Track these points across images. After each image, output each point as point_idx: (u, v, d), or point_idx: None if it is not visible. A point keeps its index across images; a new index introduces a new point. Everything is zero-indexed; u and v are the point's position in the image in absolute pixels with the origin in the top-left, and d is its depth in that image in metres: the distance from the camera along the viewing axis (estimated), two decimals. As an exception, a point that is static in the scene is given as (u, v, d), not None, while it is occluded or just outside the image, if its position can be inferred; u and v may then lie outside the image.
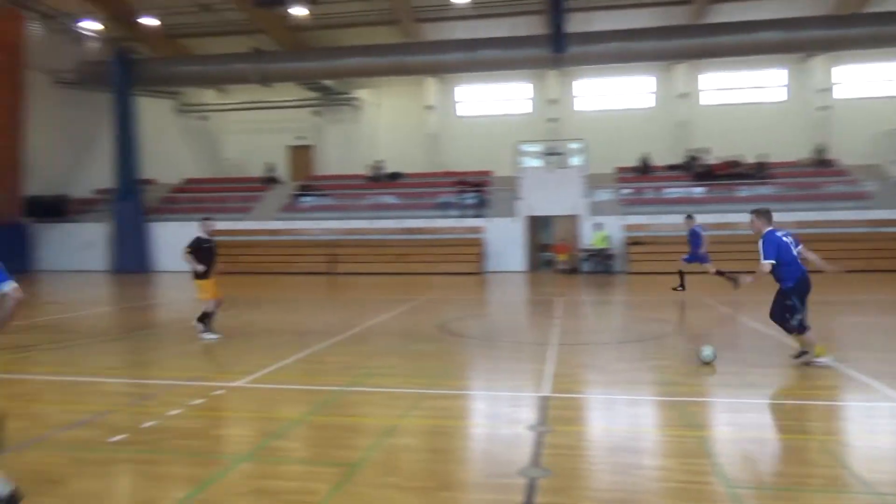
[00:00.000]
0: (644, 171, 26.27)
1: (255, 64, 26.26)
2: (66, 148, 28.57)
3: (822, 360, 7.02)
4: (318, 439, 5.11)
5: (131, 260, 25.87)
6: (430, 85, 30.35)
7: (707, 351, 7.35)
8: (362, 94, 31.22)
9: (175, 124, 32.06)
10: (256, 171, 30.58)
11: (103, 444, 4.86)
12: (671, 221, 22.16)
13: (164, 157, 30.04)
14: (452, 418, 5.68)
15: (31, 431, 5.21)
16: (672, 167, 26.33)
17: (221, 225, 26.23)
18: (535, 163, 26.05)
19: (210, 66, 27.48)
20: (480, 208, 25.08)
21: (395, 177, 28.46)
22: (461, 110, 31.18)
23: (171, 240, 26.13)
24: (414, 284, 16.80)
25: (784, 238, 7.08)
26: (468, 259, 23.44)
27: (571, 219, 23.94)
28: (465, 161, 28.69)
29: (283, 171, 31.25)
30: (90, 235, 26.95)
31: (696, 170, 25.46)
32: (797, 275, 7.02)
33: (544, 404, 5.92)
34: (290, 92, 30.32)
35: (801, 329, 7.05)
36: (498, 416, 5.84)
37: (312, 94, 30.82)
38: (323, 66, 26.65)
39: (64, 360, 8.35)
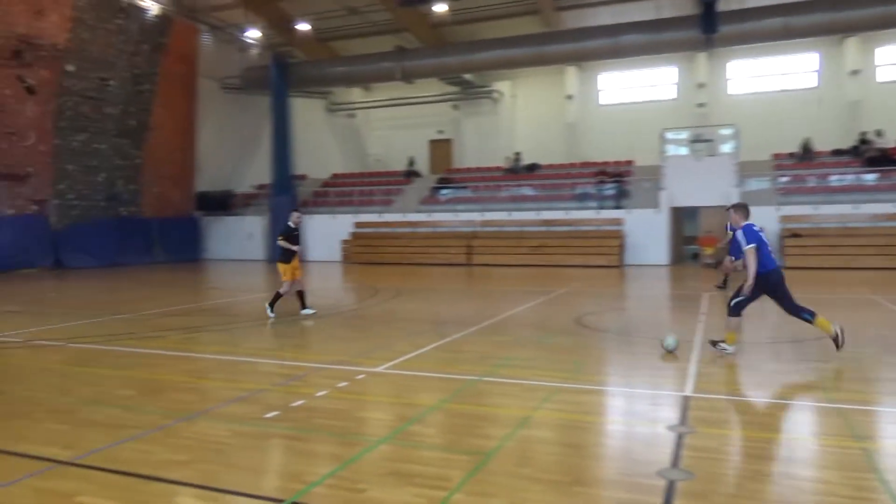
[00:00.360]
0: (805, 156, 24.12)
1: (399, 62, 27.18)
2: (230, 148, 31.25)
3: (728, 347, 7.51)
4: (453, 427, 5.21)
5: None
6: (571, 74, 29.78)
7: (669, 339, 7.66)
8: (500, 86, 31.30)
9: (325, 122, 33.95)
10: (398, 166, 31.70)
11: (259, 419, 5.27)
12: (836, 212, 20.21)
13: (315, 153, 31.98)
14: (588, 413, 5.57)
15: (199, 405, 5.78)
16: (838, 152, 23.95)
17: (365, 217, 27.80)
18: (680, 151, 24.76)
19: (357, 65, 28.77)
20: (620, 199, 24.29)
21: (532, 168, 28.30)
22: (603, 99, 30.31)
23: (320, 231, 27.88)
24: (551, 277, 16.63)
25: (760, 233, 7.42)
26: (607, 252, 22.81)
27: (721, 210, 22.53)
28: (605, 151, 27.92)
29: (423, 164, 32.12)
30: (250, 227, 29.33)
31: (867, 154, 22.96)
32: (769, 267, 7.33)
33: (686, 404, 5.64)
34: (430, 87, 31.08)
35: (734, 312, 7.48)
36: (636, 413, 5.64)
37: (452, 89, 31.38)
38: (463, 60, 26.91)
39: (226, 341, 9.17)
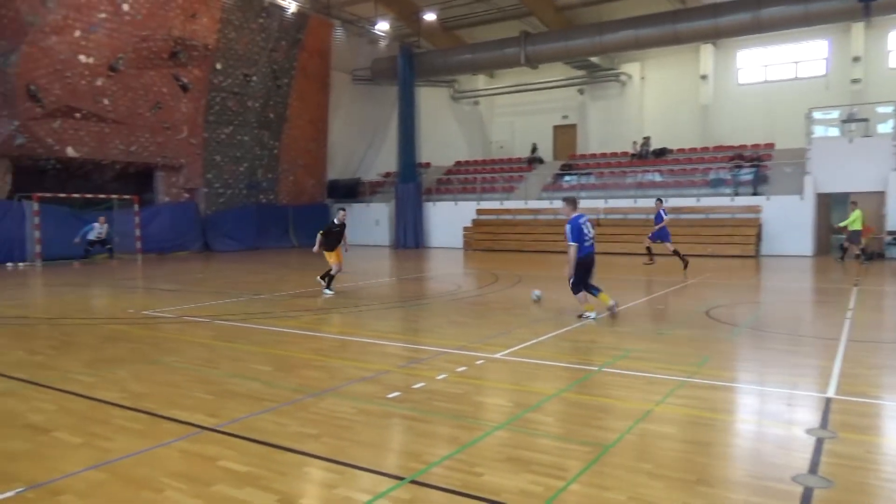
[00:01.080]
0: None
1: (524, 47, 26.94)
2: (359, 137, 32.48)
3: (590, 315, 9.19)
4: (572, 416, 5.15)
5: (409, 236, 28.58)
6: (706, 52, 28.13)
7: (535, 293, 10.53)
8: (629, 68, 30.17)
9: (450, 110, 34.35)
10: (521, 153, 31.52)
11: (382, 399, 5.49)
12: None
13: (439, 141, 32.51)
14: (715, 410, 5.30)
15: (327, 382, 6.11)
16: None
17: (487, 204, 27.92)
18: (829, 132, 22.75)
19: (481, 52, 28.80)
20: (758, 185, 22.73)
21: (661, 153, 27.12)
22: (742, 77, 28.38)
23: (443, 218, 28.37)
24: (678, 266, 15.90)
25: (582, 222, 9.10)
26: (742, 241, 21.49)
27: (876, 196, 20.49)
28: (742, 134, 26.26)
29: (546, 151, 31.72)
30: (377, 214, 30.39)
31: None
32: (582, 254, 9.05)
33: (827, 406, 5.22)
34: (555, 72, 30.57)
35: (575, 291, 9.32)
36: (769, 413, 5.30)
37: (577, 73, 30.66)
38: (590, 42, 26.07)
39: (353, 323, 9.60)
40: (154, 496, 3.58)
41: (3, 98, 19.48)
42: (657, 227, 17.13)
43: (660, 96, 29.89)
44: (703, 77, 28.33)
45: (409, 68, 28.92)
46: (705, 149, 26.77)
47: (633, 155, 27.71)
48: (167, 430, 4.73)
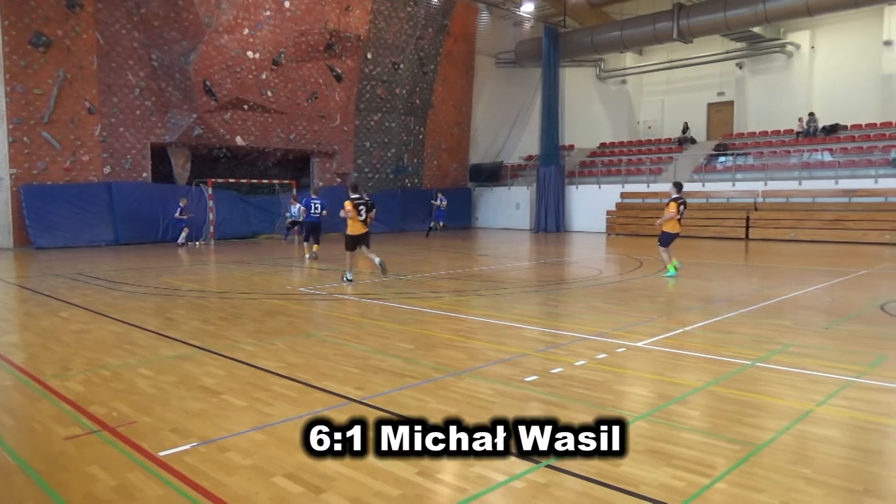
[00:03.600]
0: None
1: (677, 20, 25.51)
2: (501, 121, 32.54)
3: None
4: (720, 412, 4.87)
5: (551, 220, 28.28)
6: (891, 15, 24.95)
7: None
8: (796, 37, 27.55)
9: (595, 90, 33.39)
10: (671, 133, 30.01)
11: (520, 382, 5.52)
12: None
13: (583, 122, 31.76)
14: (888, 416, 4.78)
15: (467, 363, 6.23)
16: None
17: (632, 188, 26.94)
18: None
19: (630, 29, 27.62)
20: (954, 165, 20.01)
21: (832, 130, 24.65)
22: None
23: (586, 202, 27.77)
24: (849, 255, 14.38)
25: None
26: (931, 228, 19.06)
27: None
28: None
29: (699, 131, 29.95)
30: (518, 198, 30.36)
31: None
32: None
33: None
34: (710, 46, 28.65)
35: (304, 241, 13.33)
36: (957, 424, 4.69)
37: (736, 46, 28.50)
38: (752, 11, 23.90)
39: (493, 306, 9.70)
40: (306, 459, 3.87)
41: (183, 93, 21.67)
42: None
43: (833, 67, 27.03)
44: (887, 43, 25.24)
45: (553, 49, 28.45)
46: (886, 124, 23.94)
47: (798, 133, 25.42)
48: (318, 399, 5.07)
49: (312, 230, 16.16)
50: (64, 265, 14.99)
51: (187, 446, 4.10)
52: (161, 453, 3.98)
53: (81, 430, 4.40)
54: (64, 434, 4.34)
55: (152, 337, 7.40)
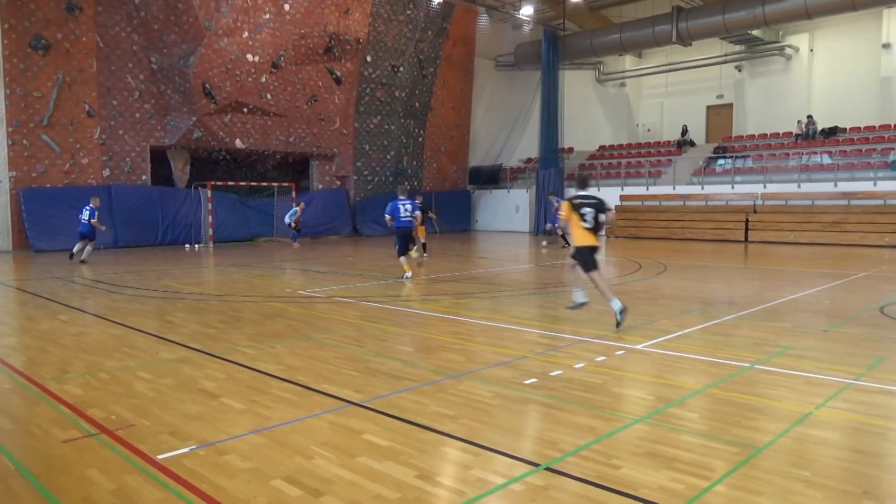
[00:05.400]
0: None
1: (676, 23, 25.55)
2: (500, 123, 32.57)
3: (408, 275, 12.50)
4: (719, 414, 4.87)
5: (550, 222, 28.26)
6: (890, 17, 24.97)
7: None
8: (795, 40, 27.57)
9: (594, 93, 33.39)
10: (670, 136, 30.05)
11: (519, 384, 5.52)
12: None
13: (582, 125, 31.79)
14: (887, 418, 4.78)
15: (466, 365, 6.23)
16: None
17: (631, 190, 26.95)
18: None
19: (630, 31, 27.68)
20: (953, 167, 20.04)
21: (831, 133, 24.68)
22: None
23: (585, 204, 27.69)
24: (848, 257, 14.39)
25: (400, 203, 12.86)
26: (930, 230, 19.08)
27: None
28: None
29: (697, 133, 29.98)
30: (517, 200, 30.37)
31: None
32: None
33: None
34: (709, 49, 28.68)
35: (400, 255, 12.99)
36: (956, 426, 4.69)
37: (735, 48, 28.53)
38: (751, 14, 24.05)
39: (492, 308, 9.70)
40: (305, 462, 3.87)
41: (183, 96, 21.68)
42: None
43: (831, 70, 27.06)
44: (886, 46, 25.28)
45: (552, 52, 28.49)
46: (885, 126, 23.98)
47: (797, 135, 25.46)
48: (318, 403, 5.07)
49: (403, 237, 13.36)
50: (63, 268, 14.99)
51: (186, 449, 4.09)
52: (160, 456, 3.97)
53: (80, 434, 4.40)
54: (62, 437, 4.33)
55: (151, 340, 7.40)
